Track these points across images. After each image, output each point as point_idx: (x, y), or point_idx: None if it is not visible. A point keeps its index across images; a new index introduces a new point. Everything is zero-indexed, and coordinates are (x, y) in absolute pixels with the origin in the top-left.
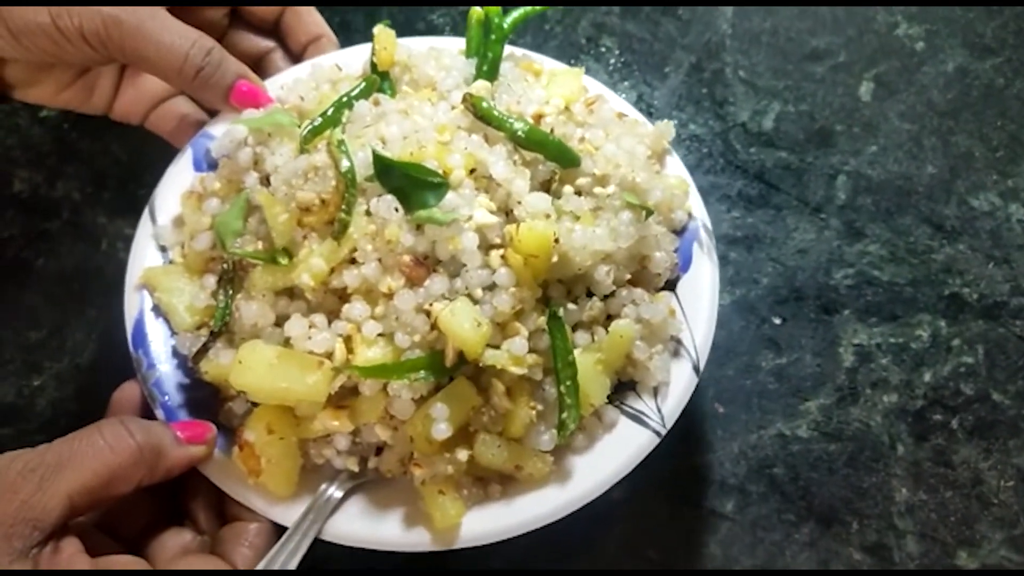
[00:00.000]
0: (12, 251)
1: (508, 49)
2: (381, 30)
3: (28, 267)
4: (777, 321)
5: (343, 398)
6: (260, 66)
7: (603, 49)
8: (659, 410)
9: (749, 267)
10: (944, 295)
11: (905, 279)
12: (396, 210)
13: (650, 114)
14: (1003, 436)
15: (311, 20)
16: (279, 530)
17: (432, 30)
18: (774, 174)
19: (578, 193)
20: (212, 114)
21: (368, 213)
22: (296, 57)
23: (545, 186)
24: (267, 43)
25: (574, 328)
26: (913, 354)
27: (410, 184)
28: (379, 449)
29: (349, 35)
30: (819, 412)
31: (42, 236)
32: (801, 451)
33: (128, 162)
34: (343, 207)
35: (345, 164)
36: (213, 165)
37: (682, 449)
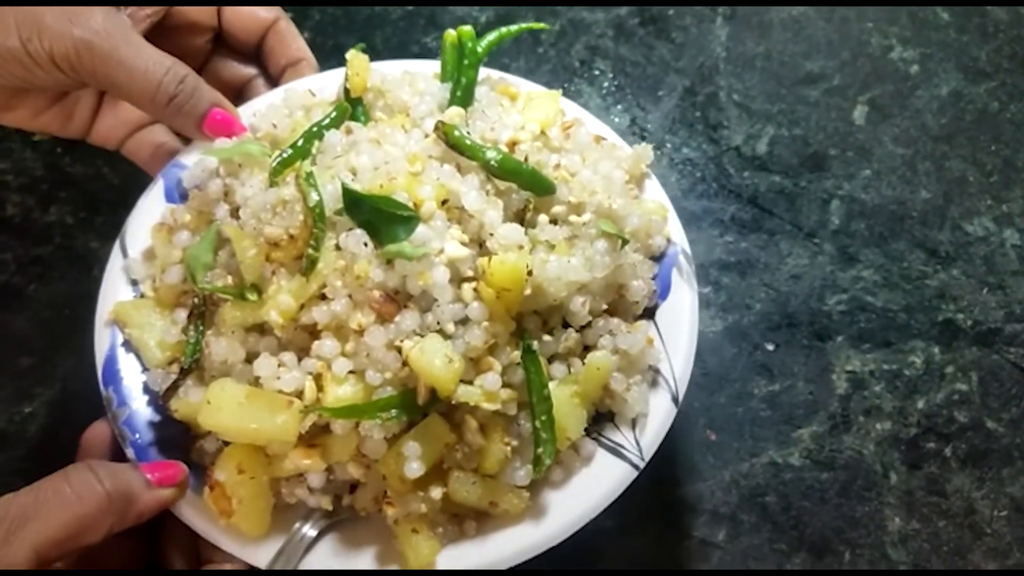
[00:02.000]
0: (4, 276)
1: (484, 72)
2: (354, 55)
3: (20, 292)
4: (770, 347)
5: (315, 436)
6: (243, 93)
7: (596, 72)
8: (637, 443)
9: (742, 293)
10: (938, 321)
11: (899, 305)
12: (365, 245)
13: (643, 138)
14: (996, 465)
15: (293, 44)
16: (255, 571)
17: (426, 53)
18: (767, 198)
19: (553, 222)
20: (189, 143)
21: (337, 248)
22: (275, 81)
23: (519, 215)
24: (250, 70)
25: (550, 360)
26: (906, 381)
27: (380, 218)
28: (353, 487)
29: (342, 60)
30: (811, 440)
31: (34, 261)
32: (793, 480)
33: (120, 187)
34: (311, 243)
35: (314, 198)
36: (185, 196)
37: (673, 477)
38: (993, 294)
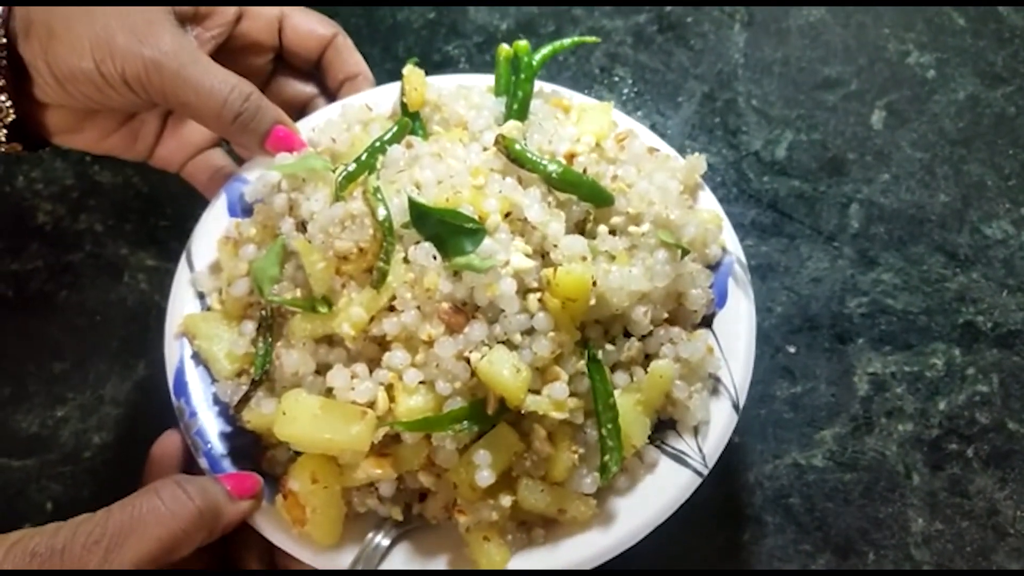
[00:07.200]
0: (36, 283)
1: (537, 85)
2: (411, 70)
3: (52, 299)
4: (792, 350)
5: (385, 446)
6: (304, 112)
7: (616, 79)
8: (700, 449)
9: (763, 296)
10: (958, 324)
11: (919, 308)
12: (434, 258)
13: None
14: (1019, 465)
15: (351, 59)
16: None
17: (448, 61)
18: (787, 203)
19: (612, 232)
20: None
21: (406, 261)
22: (333, 96)
23: (579, 226)
24: (310, 89)
25: (613, 369)
26: (928, 383)
27: (447, 231)
28: (423, 495)
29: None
30: (834, 441)
31: (65, 268)
32: (817, 481)
33: (149, 195)
34: (381, 256)
35: (382, 212)
36: (247, 210)
37: None
38: (1013, 296)
